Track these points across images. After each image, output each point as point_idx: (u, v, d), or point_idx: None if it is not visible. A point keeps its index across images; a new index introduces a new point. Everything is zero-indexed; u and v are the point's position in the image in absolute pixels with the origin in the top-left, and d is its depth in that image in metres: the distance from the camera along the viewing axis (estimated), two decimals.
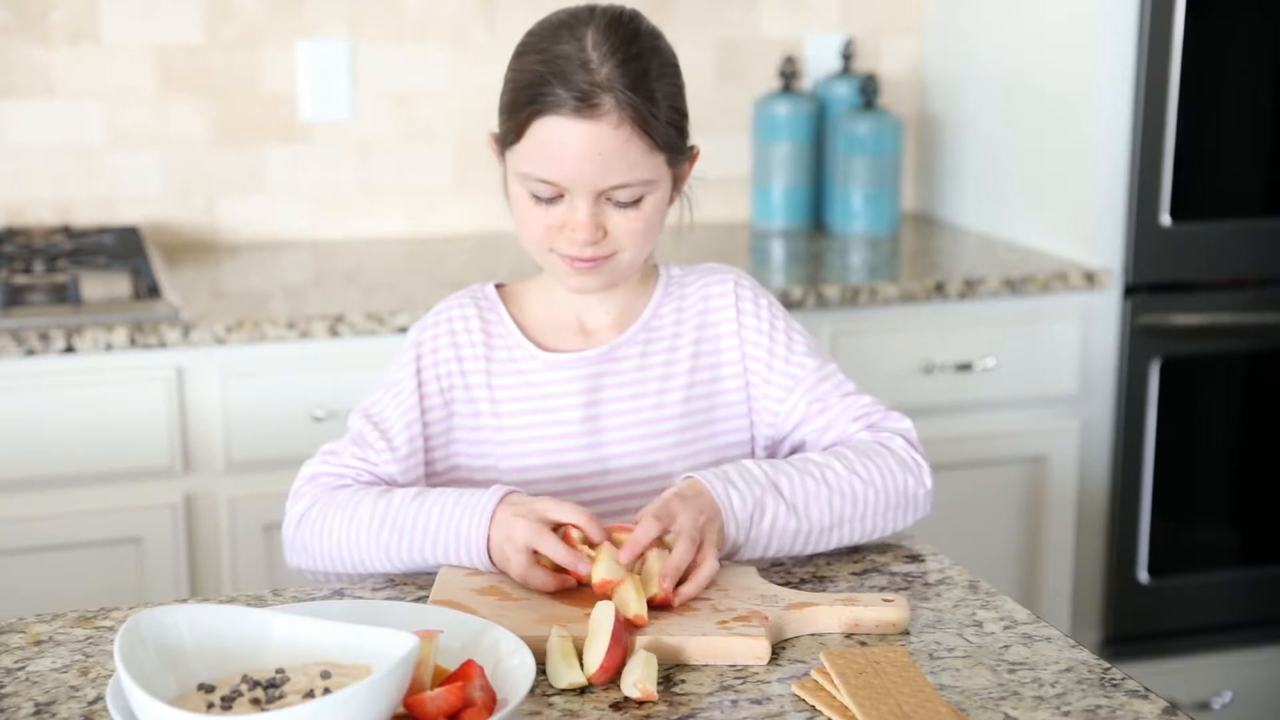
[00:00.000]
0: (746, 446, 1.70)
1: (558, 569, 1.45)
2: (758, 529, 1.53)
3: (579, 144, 1.52)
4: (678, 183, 1.64)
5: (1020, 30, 2.91)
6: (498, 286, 1.71)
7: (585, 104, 1.51)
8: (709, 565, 1.44)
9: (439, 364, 1.66)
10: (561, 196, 1.56)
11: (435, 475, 1.66)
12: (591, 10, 1.57)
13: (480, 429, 1.66)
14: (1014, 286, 2.67)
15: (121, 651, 1.16)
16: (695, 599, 1.43)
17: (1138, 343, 2.77)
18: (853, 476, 1.58)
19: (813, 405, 1.66)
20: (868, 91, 2.99)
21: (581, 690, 1.30)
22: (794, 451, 1.68)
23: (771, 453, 1.70)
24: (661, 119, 1.55)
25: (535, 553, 1.46)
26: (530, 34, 1.59)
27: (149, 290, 2.43)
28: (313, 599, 1.49)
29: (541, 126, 1.54)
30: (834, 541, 1.58)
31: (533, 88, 1.54)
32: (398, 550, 1.54)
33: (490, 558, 1.49)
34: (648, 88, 1.54)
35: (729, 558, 1.53)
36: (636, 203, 1.57)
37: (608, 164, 1.53)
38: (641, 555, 1.44)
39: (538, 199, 1.57)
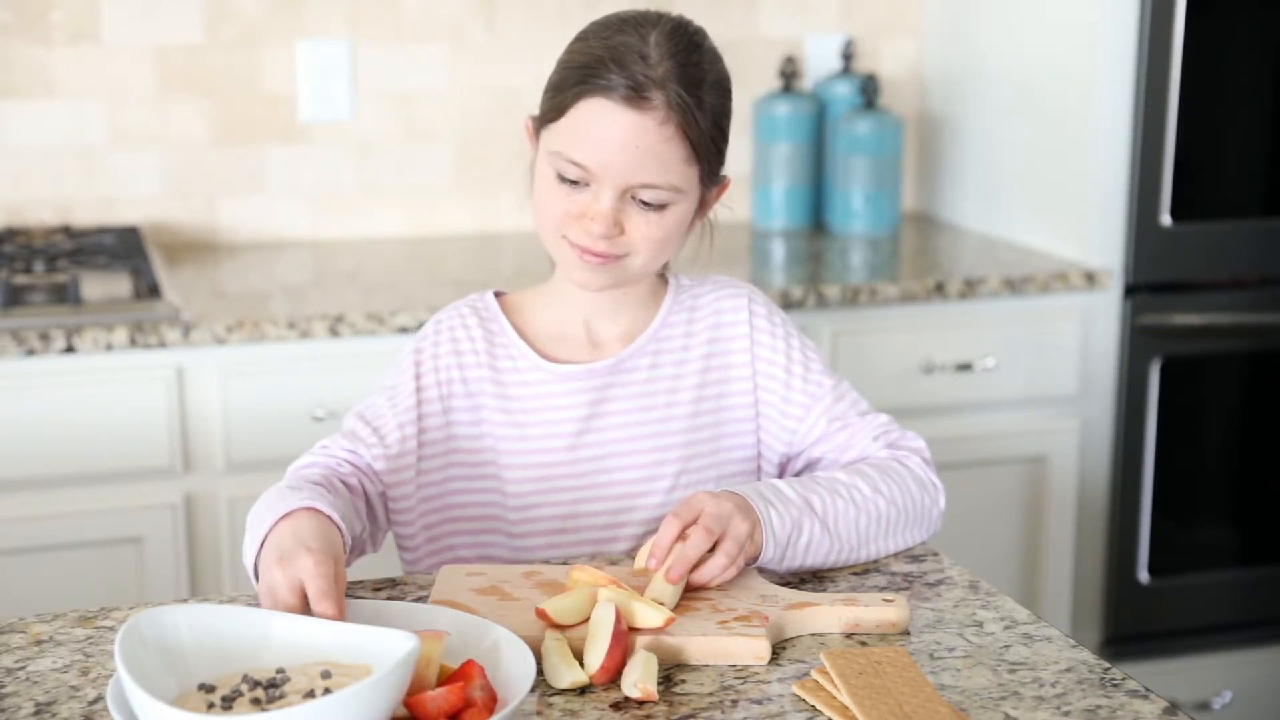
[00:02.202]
0: (751, 463, 1.69)
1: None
2: (794, 548, 1.51)
3: (619, 132, 1.51)
4: (703, 207, 1.61)
5: (1020, 30, 2.91)
6: (497, 295, 1.69)
7: (636, 94, 1.50)
8: (717, 561, 1.43)
9: (439, 370, 1.64)
10: (587, 185, 1.53)
11: (431, 485, 1.64)
12: (660, 15, 1.57)
13: (481, 438, 1.64)
14: (1014, 286, 2.67)
15: (122, 651, 1.16)
16: (696, 599, 1.43)
17: (1138, 343, 2.77)
18: (877, 496, 1.57)
19: (833, 424, 1.66)
20: (868, 91, 2.99)
21: (581, 690, 1.30)
22: (808, 467, 1.68)
23: (782, 469, 1.69)
24: (705, 130, 1.54)
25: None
26: (592, 24, 1.58)
27: (149, 290, 2.43)
28: None
29: (586, 107, 1.52)
30: (858, 559, 1.57)
31: (587, 68, 1.52)
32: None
33: (260, 550, 1.38)
34: (698, 95, 1.53)
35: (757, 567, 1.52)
36: (660, 209, 1.54)
37: (642, 160, 1.51)
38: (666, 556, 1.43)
39: (563, 180, 1.54)
